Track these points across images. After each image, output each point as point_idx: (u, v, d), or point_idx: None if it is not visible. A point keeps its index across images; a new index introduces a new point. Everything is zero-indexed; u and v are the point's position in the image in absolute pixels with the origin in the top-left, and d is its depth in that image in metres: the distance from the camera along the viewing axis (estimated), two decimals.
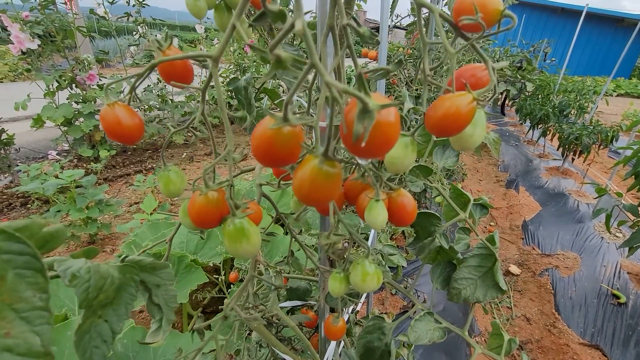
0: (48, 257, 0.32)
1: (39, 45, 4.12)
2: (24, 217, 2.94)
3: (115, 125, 0.33)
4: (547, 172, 4.61)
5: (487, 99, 0.33)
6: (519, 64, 7.19)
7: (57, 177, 2.78)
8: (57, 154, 4.11)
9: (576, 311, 2.31)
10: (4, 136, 3.89)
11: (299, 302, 0.81)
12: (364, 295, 1.31)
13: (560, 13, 16.00)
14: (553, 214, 3.49)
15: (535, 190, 4.15)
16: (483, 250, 0.57)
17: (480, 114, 0.34)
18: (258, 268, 0.81)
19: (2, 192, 3.86)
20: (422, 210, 0.56)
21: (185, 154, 5.32)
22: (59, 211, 2.68)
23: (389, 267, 1.73)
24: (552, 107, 5.03)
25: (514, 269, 2.85)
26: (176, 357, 0.42)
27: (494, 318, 2.35)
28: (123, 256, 0.41)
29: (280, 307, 0.95)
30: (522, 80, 6.32)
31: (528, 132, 6.13)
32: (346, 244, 0.60)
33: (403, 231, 2.28)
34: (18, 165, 3.19)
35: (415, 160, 0.61)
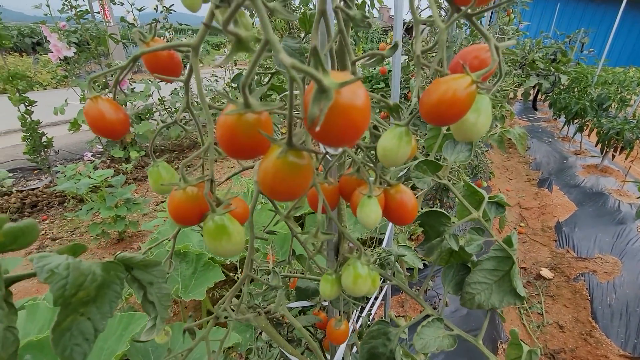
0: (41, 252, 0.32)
1: (75, 53, 4.36)
2: (61, 215, 3.13)
3: (99, 119, 0.32)
4: (584, 170, 4.32)
5: (492, 83, 0.30)
6: (552, 56, 6.79)
7: (89, 177, 2.93)
8: (92, 156, 4.35)
9: (616, 320, 2.14)
10: (44, 139, 4.16)
11: (307, 303, 0.79)
12: (380, 296, 1.27)
13: (599, 1, 14.97)
14: (590, 214, 3.26)
15: (571, 189, 3.90)
16: (499, 253, 0.52)
17: (483, 100, 0.30)
18: (267, 266, 0.80)
19: (42, 191, 4.13)
20: (431, 209, 0.52)
21: None
22: (90, 209, 2.82)
23: (407, 268, 1.67)
24: (590, 101, 4.70)
25: (545, 272, 2.68)
26: (166, 357, 0.41)
27: (524, 325, 2.22)
28: (116, 254, 0.40)
29: (291, 307, 0.94)
30: (556, 73, 5.96)
31: (563, 127, 5.77)
32: (351, 245, 0.57)
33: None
34: (56, 166, 3.41)
35: (426, 155, 0.57)
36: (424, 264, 1.85)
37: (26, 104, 3.90)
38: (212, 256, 1.62)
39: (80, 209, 2.91)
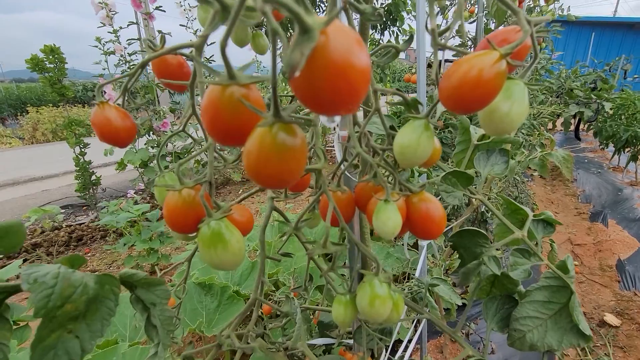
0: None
1: (125, 100, 4.83)
2: (102, 248, 3.28)
3: (105, 125, 0.32)
4: None
5: (526, 65, 0.26)
6: (592, 85, 6.52)
7: (129, 211, 3.09)
8: (134, 193, 4.64)
9: None
10: (93, 178, 4.53)
11: (330, 340, 0.71)
12: (415, 338, 1.14)
13: (639, 28, 14.47)
14: None
15: (631, 223, 3.50)
16: (552, 281, 0.44)
17: (517, 86, 0.26)
18: (286, 293, 0.75)
19: (88, 226, 4.40)
20: (466, 228, 0.46)
21: (241, 190, 5.62)
22: (127, 243, 2.93)
23: (444, 308, 1.51)
24: None
25: (610, 318, 2.33)
26: None
27: None
28: (121, 272, 0.38)
29: (314, 345, 0.86)
30: (598, 101, 5.66)
31: (612, 157, 5.35)
32: (374, 269, 0.51)
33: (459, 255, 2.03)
34: (101, 202, 3.65)
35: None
36: (463, 303, 1.67)
37: (81, 146, 4.31)
38: (237, 289, 1.57)
39: (119, 243, 3.04)
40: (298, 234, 0.34)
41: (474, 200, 1.01)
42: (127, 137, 0.32)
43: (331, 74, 0.15)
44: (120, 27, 4.48)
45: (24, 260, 3.48)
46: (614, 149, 4.96)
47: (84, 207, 5.32)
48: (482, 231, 0.45)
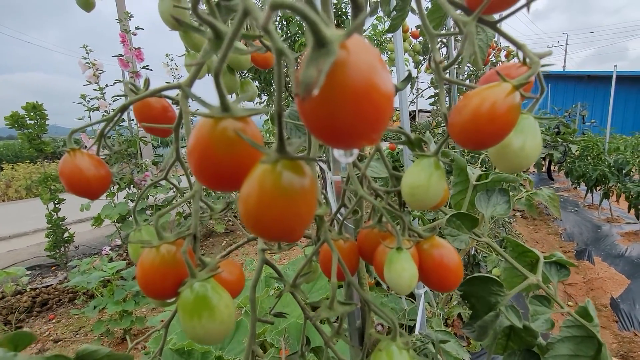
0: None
1: (107, 155, 4.79)
2: (69, 313, 2.98)
3: (74, 174, 0.28)
4: (624, 238, 4.00)
5: (536, 97, 0.25)
6: (556, 129, 7.03)
7: (102, 270, 2.86)
8: (110, 249, 4.37)
9: None
10: (66, 235, 4.26)
11: None
12: None
13: (588, 80, 16.22)
14: None
15: (616, 260, 3.54)
16: (575, 331, 0.40)
17: (527, 120, 0.25)
18: None
19: (55, 288, 4.04)
20: (477, 274, 0.42)
21: (225, 242, 5.41)
22: (97, 306, 2.67)
23: None
24: (608, 167, 4.63)
25: None
26: None
27: None
28: (79, 350, 0.32)
29: None
30: (565, 143, 6.06)
31: (586, 195, 5.58)
32: (379, 327, 0.46)
33: (460, 314, 1.93)
34: (72, 261, 3.40)
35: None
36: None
37: (55, 202, 4.12)
38: (220, 354, 1.41)
39: (89, 306, 2.76)
40: (295, 292, 0.29)
41: None
42: (99, 187, 0.28)
43: (354, 95, 0.12)
44: (107, 85, 4.57)
45: None
46: (586, 187, 5.20)
47: (53, 267, 4.94)
48: (495, 278, 0.41)
